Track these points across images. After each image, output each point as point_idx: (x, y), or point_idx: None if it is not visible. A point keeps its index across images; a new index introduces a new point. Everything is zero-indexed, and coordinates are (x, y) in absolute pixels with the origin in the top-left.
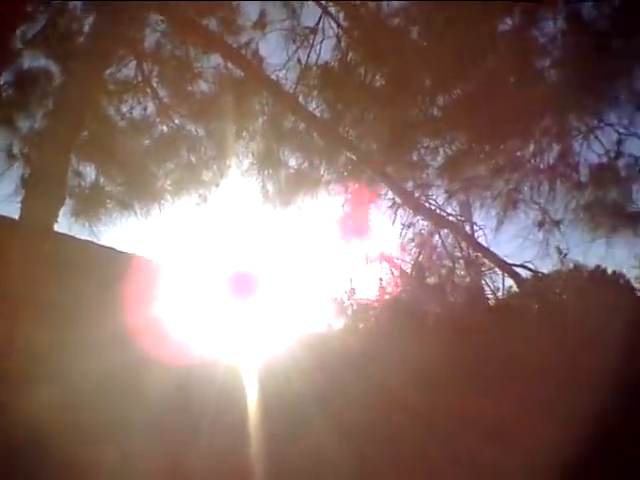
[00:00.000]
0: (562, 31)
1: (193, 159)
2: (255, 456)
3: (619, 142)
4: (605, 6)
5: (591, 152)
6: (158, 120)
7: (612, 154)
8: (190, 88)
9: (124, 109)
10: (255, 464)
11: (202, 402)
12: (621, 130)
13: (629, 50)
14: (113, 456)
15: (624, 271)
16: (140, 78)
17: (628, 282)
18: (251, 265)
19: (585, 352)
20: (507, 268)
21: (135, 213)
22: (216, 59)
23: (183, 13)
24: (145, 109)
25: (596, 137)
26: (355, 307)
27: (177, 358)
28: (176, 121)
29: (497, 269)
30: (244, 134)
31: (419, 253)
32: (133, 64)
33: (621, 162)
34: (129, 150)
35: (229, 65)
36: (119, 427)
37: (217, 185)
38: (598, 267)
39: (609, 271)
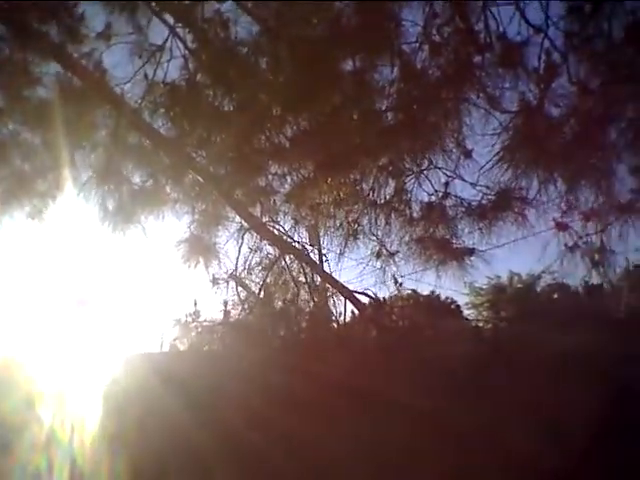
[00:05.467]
0: (397, 78)
1: (27, 168)
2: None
3: (446, 184)
4: (438, 57)
5: (422, 191)
6: None
7: (440, 194)
8: (26, 93)
9: None
10: None
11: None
12: (448, 173)
13: (457, 101)
14: None
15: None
16: None
17: (459, 307)
18: (88, 284)
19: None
20: (349, 294)
21: None
22: (56, 66)
23: (22, 17)
24: None
25: (426, 177)
26: (200, 329)
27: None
28: (10, 127)
29: (339, 295)
30: (84, 145)
31: (265, 277)
32: None
33: (448, 202)
34: None
35: (69, 74)
36: None
37: (53, 197)
38: (432, 292)
39: (442, 297)
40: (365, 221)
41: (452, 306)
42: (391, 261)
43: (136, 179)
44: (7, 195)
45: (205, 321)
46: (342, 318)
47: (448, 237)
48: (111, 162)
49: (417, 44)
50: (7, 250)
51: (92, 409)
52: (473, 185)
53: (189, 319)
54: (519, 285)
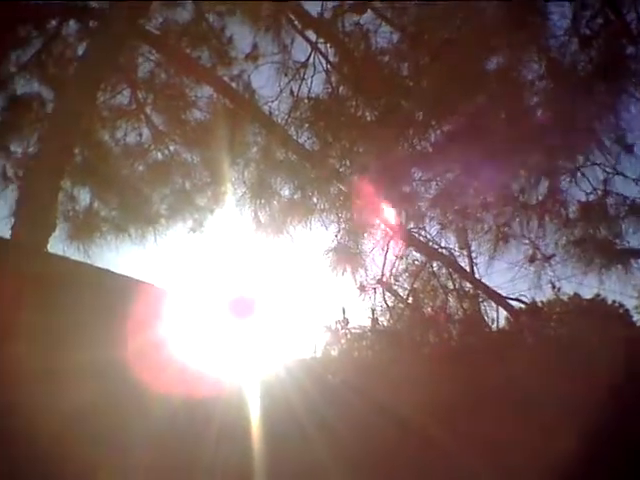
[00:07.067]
0: (545, 74)
1: (187, 185)
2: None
3: (606, 181)
4: (589, 50)
5: (578, 190)
6: (153, 146)
7: (599, 192)
8: (184, 116)
9: (118, 135)
10: None
11: (204, 426)
12: (608, 169)
13: (611, 95)
14: None
15: (622, 301)
16: (134, 105)
17: (627, 312)
18: (246, 292)
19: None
20: (500, 300)
21: (130, 237)
22: (209, 89)
23: (174, 44)
24: (140, 135)
25: (583, 175)
26: (349, 336)
27: (175, 382)
28: (171, 148)
29: (490, 301)
30: (238, 162)
31: (413, 283)
32: (127, 91)
33: (609, 200)
34: (124, 175)
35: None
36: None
37: (212, 211)
38: (597, 296)
39: (608, 301)
40: (516, 224)
41: (620, 310)
42: (547, 265)
43: (285, 192)
44: (171, 211)
45: (354, 328)
46: (495, 325)
47: (610, 238)
48: (262, 177)
49: (566, 38)
50: (173, 260)
51: (253, 410)
52: (636, 181)
53: (339, 326)
54: None
